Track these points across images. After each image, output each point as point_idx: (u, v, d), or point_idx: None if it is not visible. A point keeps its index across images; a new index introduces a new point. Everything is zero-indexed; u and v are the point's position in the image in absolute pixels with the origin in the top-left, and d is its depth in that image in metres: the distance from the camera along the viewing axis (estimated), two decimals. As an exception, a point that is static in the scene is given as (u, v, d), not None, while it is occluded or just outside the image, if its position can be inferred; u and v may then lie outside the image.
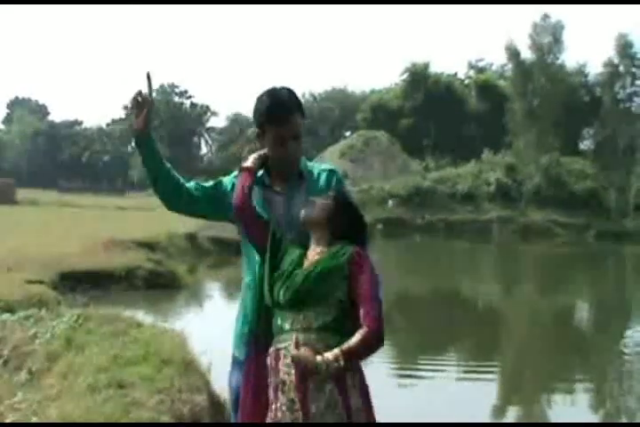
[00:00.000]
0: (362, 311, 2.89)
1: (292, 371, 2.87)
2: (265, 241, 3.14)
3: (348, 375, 2.88)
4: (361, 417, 2.89)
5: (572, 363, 11.88)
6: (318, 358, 2.79)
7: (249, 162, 3.28)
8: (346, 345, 2.81)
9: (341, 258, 2.96)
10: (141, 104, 3.21)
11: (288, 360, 2.88)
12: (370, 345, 2.87)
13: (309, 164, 3.36)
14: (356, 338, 2.83)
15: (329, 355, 2.79)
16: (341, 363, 2.78)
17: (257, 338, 3.13)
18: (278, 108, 3.14)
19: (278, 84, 3.26)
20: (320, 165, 3.39)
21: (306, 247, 3.12)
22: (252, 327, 3.18)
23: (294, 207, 3.20)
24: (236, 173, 3.33)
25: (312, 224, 3.09)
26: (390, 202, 50.87)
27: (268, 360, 2.98)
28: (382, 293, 3.01)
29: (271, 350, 2.99)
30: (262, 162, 3.29)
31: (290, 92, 3.21)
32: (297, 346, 2.86)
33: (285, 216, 3.22)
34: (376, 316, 2.88)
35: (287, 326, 2.95)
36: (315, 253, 3.06)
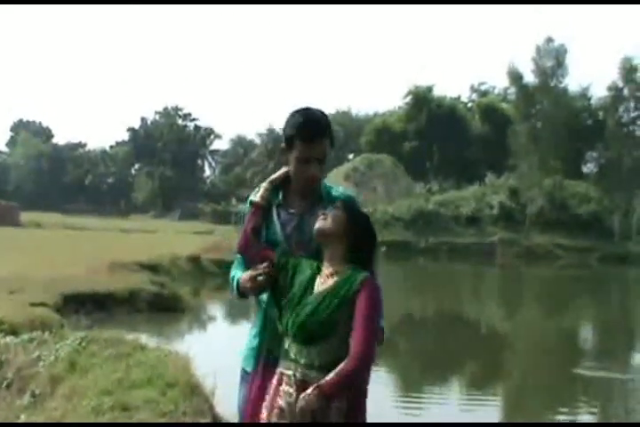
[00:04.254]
0: (352, 339, 2.81)
1: (292, 400, 2.84)
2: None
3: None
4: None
5: (575, 388, 11.81)
6: (301, 397, 2.76)
7: (259, 195, 3.23)
8: (324, 381, 2.75)
9: (350, 290, 2.90)
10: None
11: (287, 388, 2.88)
12: (350, 381, 2.79)
13: (328, 185, 3.32)
14: (336, 373, 2.76)
15: (308, 392, 2.74)
16: (317, 400, 2.72)
17: (267, 352, 3.13)
18: (310, 125, 3.13)
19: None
20: (339, 189, 3.36)
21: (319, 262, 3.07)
22: (263, 341, 3.17)
23: (306, 227, 3.17)
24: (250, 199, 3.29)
25: (326, 237, 3.02)
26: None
27: (274, 380, 2.96)
28: (383, 321, 2.98)
29: (277, 371, 2.98)
30: (282, 180, 3.27)
31: (323, 115, 3.20)
32: (298, 388, 2.83)
33: (296, 236, 3.20)
34: (364, 346, 2.79)
35: (292, 355, 2.94)
36: (327, 273, 3.00)
